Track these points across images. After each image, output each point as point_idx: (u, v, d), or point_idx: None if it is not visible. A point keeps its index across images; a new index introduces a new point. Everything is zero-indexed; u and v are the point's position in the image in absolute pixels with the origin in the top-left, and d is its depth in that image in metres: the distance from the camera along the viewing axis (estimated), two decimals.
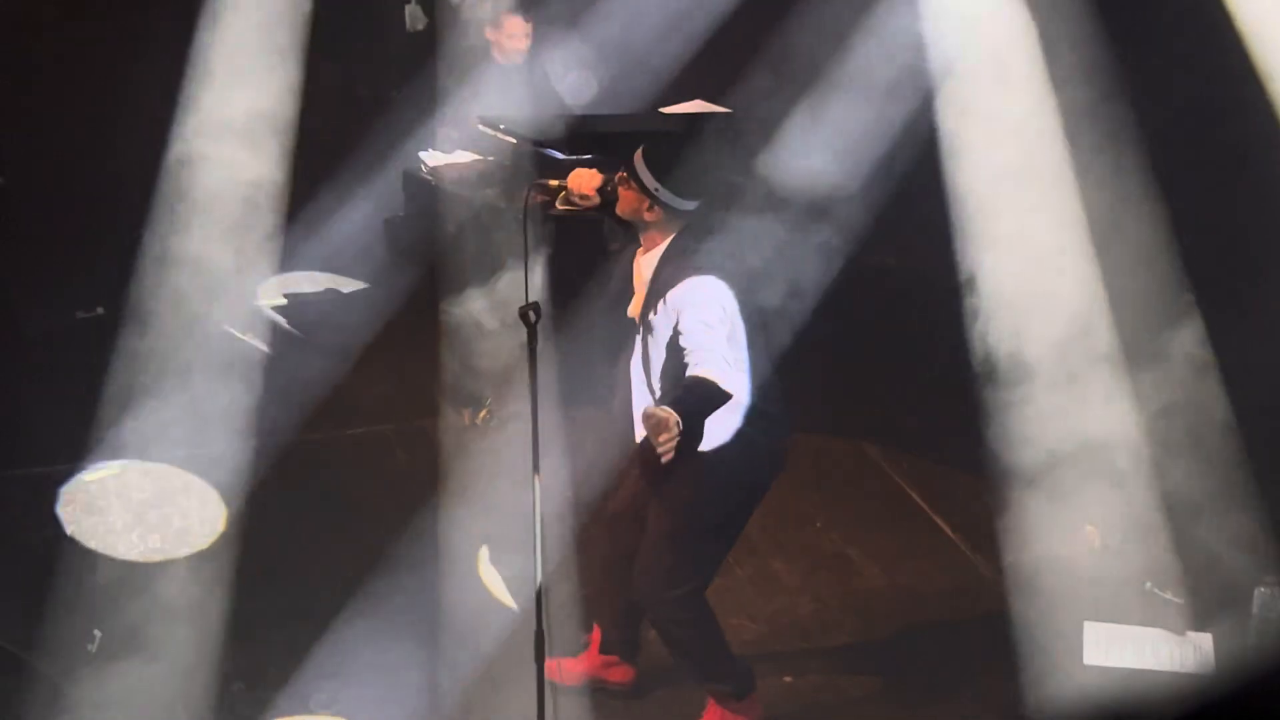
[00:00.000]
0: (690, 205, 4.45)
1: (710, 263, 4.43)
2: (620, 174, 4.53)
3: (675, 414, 4.05)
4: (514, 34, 6.93)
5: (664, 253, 4.49)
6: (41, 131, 7.07)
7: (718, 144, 5.50)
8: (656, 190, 4.42)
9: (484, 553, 5.18)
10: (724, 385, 4.23)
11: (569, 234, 6.09)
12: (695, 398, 4.24)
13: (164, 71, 6.70)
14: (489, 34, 6.91)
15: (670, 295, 4.40)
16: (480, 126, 6.56)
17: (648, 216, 4.48)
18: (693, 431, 4.22)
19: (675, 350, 4.36)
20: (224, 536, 5.54)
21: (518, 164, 6.31)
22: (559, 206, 4.87)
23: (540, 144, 6.22)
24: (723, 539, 4.70)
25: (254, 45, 6.89)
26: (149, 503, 5.72)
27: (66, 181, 6.93)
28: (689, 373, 4.28)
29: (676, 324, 4.37)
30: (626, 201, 4.50)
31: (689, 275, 4.39)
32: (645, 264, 4.55)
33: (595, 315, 5.14)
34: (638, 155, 4.48)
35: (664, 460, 4.09)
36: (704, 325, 4.31)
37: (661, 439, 4.01)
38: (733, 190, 4.92)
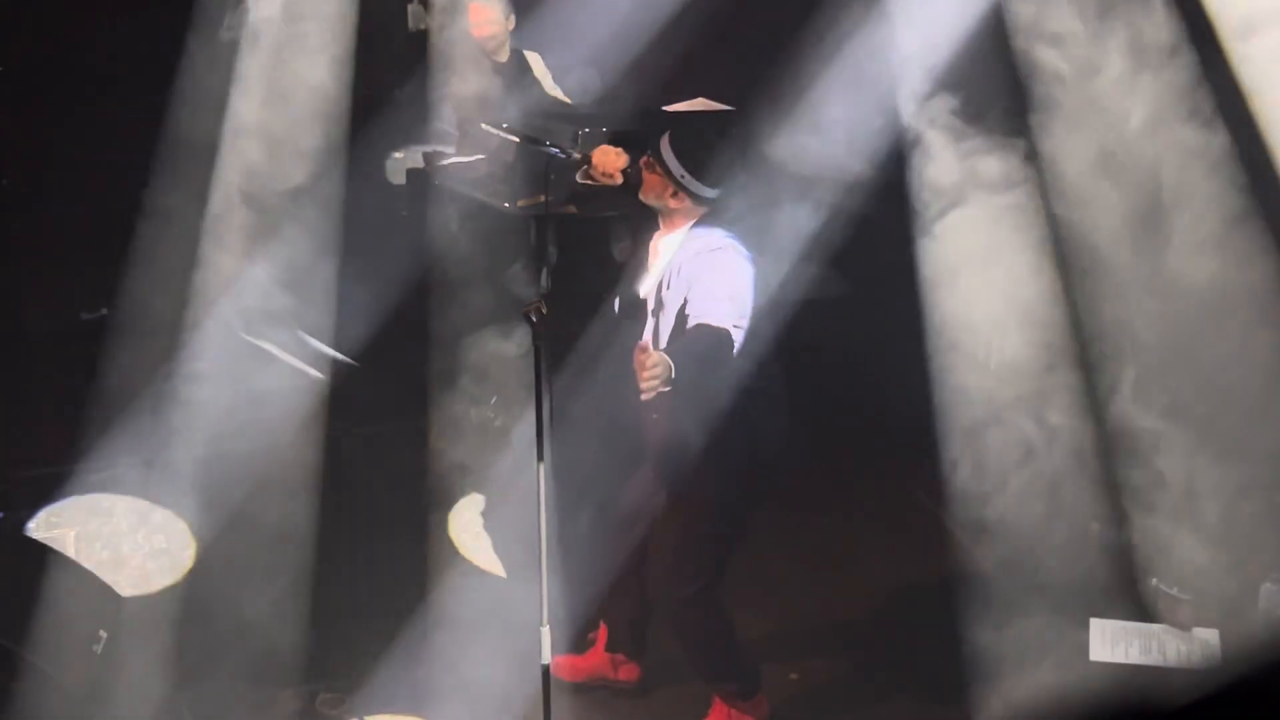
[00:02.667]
0: (714, 194, 4.47)
1: (731, 244, 4.45)
2: (645, 158, 4.54)
3: (667, 358, 4.01)
4: (480, 23, 6.81)
5: (685, 235, 4.51)
6: (43, 132, 7.07)
7: (739, 136, 5.50)
8: (682, 177, 4.44)
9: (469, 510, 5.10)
10: (720, 331, 4.23)
11: (576, 234, 6.10)
12: (691, 341, 4.24)
13: (164, 70, 6.69)
14: (472, 32, 6.82)
15: (686, 269, 4.42)
16: (484, 126, 6.54)
17: (672, 203, 4.50)
18: (688, 375, 4.14)
19: (684, 323, 4.37)
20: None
21: (522, 163, 6.30)
22: (579, 180, 4.90)
23: (545, 143, 6.21)
24: (733, 535, 4.70)
25: (255, 44, 6.89)
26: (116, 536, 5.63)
27: (68, 182, 6.93)
28: (689, 324, 4.30)
29: (687, 295, 4.39)
30: (651, 185, 4.52)
31: (708, 252, 4.42)
32: (665, 245, 4.57)
33: (608, 306, 5.14)
34: (664, 141, 4.49)
35: (642, 397, 4.03)
36: (712, 296, 4.33)
37: (644, 376, 3.96)
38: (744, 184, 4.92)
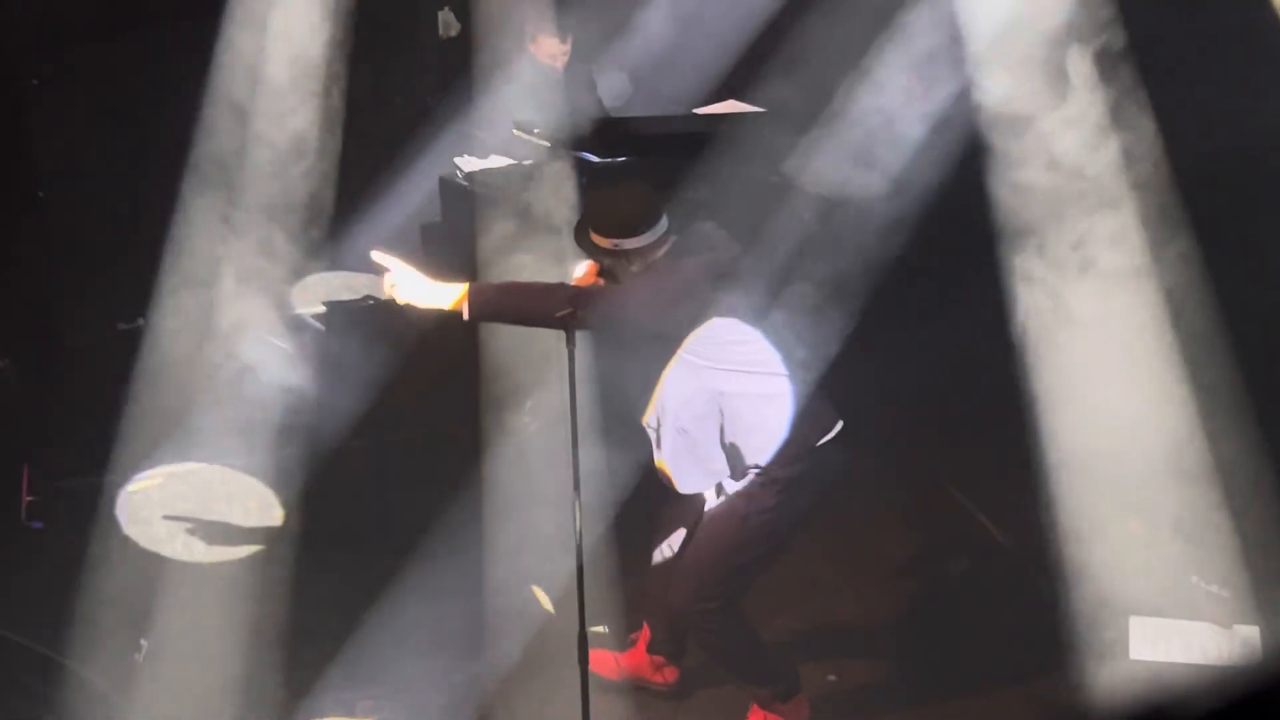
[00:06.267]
0: (659, 231, 4.47)
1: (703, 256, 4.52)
2: (591, 264, 4.69)
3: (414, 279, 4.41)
4: (553, 54, 6.87)
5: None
6: (80, 143, 7.11)
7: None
8: (617, 244, 4.45)
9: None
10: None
11: None
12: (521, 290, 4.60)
13: (197, 80, 6.71)
14: (530, 47, 6.86)
15: None
16: (515, 131, 6.56)
17: (634, 267, 4.49)
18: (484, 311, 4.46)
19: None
20: (275, 536, 5.46)
21: (553, 168, 6.31)
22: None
23: (576, 147, 6.23)
24: (762, 559, 4.73)
25: (288, 52, 6.91)
26: (197, 508, 5.60)
27: (105, 193, 6.97)
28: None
29: None
30: (613, 272, 4.55)
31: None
32: None
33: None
34: (586, 233, 4.52)
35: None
36: (627, 290, 4.50)
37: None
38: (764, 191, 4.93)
